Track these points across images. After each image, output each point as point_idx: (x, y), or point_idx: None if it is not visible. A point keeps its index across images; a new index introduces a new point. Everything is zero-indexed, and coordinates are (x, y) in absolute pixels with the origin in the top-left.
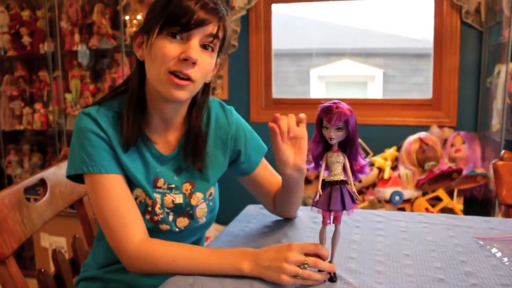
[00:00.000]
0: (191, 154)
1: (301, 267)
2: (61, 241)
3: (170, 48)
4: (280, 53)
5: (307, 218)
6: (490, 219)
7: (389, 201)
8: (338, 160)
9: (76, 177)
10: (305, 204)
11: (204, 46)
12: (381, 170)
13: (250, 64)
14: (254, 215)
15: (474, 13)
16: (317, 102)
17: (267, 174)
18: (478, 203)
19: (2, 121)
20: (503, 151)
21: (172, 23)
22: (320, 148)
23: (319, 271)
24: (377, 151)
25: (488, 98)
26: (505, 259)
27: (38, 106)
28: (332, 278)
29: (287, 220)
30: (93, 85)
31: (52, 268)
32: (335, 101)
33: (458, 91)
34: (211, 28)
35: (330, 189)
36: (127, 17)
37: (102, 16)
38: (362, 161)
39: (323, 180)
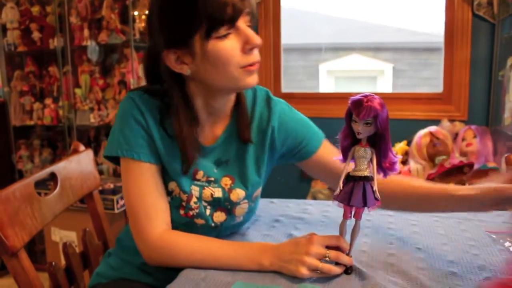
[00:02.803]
0: (231, 146)
1: (321, 260)
2: (71, 235)
3: (230, 48)
4: (289, 48)
5: (318, 211)
6: (502, 213)
7: None
8: (365, 155)
9: (113, 159)
10: (314, 198)
11: (247, 24)
12: None
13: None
14: (263, 209)
15: (486, 5)
16: (326, 96)
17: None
18: None
19: (13, 116)
20: None
21: (218, 24)
22: (349, 141)
23: (336, 263)
24: None
25: (500, 91)
26: None
27: (48, 101)
28: (347, 270)
29: (297, 213)
30: (102, 80)
31: (62, 262)
32: (367, 94)
33: (470, 85)
34: (249, 5)
35: (353, 184)
36: (136, 12)
37: (111, 11)
38: (393, 157)
39: (348, 174)
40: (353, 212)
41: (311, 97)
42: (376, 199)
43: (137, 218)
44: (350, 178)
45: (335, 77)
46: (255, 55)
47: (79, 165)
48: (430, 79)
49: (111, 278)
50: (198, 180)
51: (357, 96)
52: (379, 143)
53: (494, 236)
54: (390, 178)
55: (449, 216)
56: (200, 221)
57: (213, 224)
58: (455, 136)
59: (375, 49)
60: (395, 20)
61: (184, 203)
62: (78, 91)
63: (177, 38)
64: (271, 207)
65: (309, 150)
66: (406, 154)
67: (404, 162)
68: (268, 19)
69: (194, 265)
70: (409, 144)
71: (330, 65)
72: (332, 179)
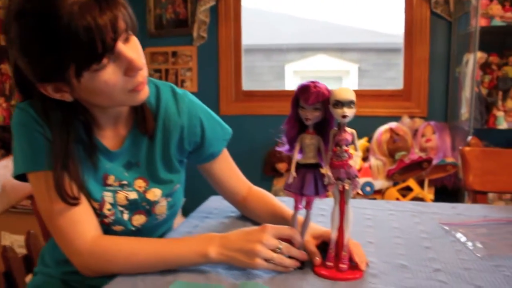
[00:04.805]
0: (140, 148)
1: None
2: (22, 239)
3: (110, 78)
4: (255, 49)
5: None
6: (456, 205)
7: (360, 192)
8: (313, 142)
9: (24, 177)
10: (276, 195)
11: (126, 39)
12: None
13: (219, 56)
14: (216, 206)
15: (443, 3)
16: (286, 94)
17: (228, 168)
18: (449, 193)
19: None
20: (470, 137)
21: (88, 64)
22: (295, 130)
23: (289, 257)
24: None
25: (457, 87)
26: (469, 244)
27: (0, 100)
28: (301, 265)
29: None
30: None
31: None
32: (313, 80)
33: (429, 82)
34: (121, 23)
35: (304, 172)
36: None
37: None
38: None
39: (297, 163)
40: (303, 203)
41: (272, 95)
42: (326, 187)
43: (62, 230)
44: (300, 167)
45: (301, 78)
46: (140, 75)
47: None
48: (394, 79)
49: None
50: (110, 185)
51: (304, 82)
52: (325, 130)
53: (447, 228)
54: (257, 192)
55: (404, 209)
56: (118, 228)
57: (133, 228)
58: (415, 132)
59: (340, 50)
60: (360, 21)
61: (98, 211)
62: None
63: (48, 76)
64: (224, 204)
65: (211, 155)
66: (367, 150)
67: (365, 159)
68: (228, 16)
69: (135, 268)
70: (370, 140)
71: (296, 65)
72: (221, 192)
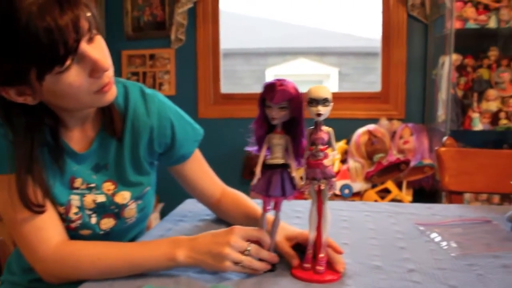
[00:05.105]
0: (108, 150)
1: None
2: None
3: (74, 80)
4: (236, 53)
5: None
6: (432, 205)
7: (339, 195)
8: (280, 142)
9: None
10: (255, 198)
11: (90, 40)
12: None
13: (198, 59)
14: (191, 209)
15: (420, 6)
16: None
17: (200, 170)
18: (427, 194)
19: None
20: (445, 138)
21: (49, 67)
22: (264, 129)
23: (259, 259)
24: None
25: (434, 89)
26: (444, 244)
27: None
28: (272, 268)
29: None
30: None
31: None
32: (280, 78)
33: (406, 84)
34: (84, 23)
35: (270, 173)
36: None
37: None
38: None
39: (264, 163)
40: (272, 204)
41: (251, 98)
42: (294, 188)
43: (25, 238)
44: (267, 168)
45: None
46: (107, 76)
47: None
48: (374, 83)
49: None
50: (77, 188)
51: (270, 81)
52: (294, 130)
53: (422, 228)
54: (231, 193)
55: (380, 210)
56: (85, 232)
57: (101, 232)
58: (393, 134)
59: (320, 54)
60: (340, 25)
61: (63, 216)
62: None
63: (9, 80)
64: (199, 207)
65: (182, 157)
66: (345, 153)
67: (344, 161)
68: (207, 20)
69: (102, 273)
70: (348, 143)
71: (277, 69)
72: (194, 194)
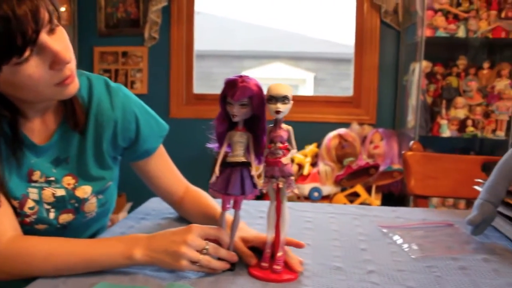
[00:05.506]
0: (70, 143)
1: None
2: None
3: (33, 71)
4: (212, 55)
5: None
6: (397, 208)
7: (308, 198)
8: (241, 140)
9: None
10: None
11: (51, 31)
12: (301, 166)
13: (171, 58)
14: (155, 207)
15: (392, 13)
16: None
17: (164, 166)
18: (395, 199)
19: None
20: (411, 142)
21: (6, 58)
22: (224, 126)
23: (219, 258)
24: (298, 148)
25: (405, 95)
26: (405, 246)
27: None
28: (231, 267)
29: None
30: None
31: None
32: (242, 75)
33: (378, 89)
34: (44, 14)
35: (230, 171)
36: None
37: None
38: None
39: (224, 161)
40: (231, 202)
41: None
42: (254, 187)
43: None
44: (227, 165)
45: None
46: (68, 69)
47: None
48: (349, 89)
49: None
50: (35, 181)
51: (232, 77)
52: (255, 128)
53: (385, 231)
54: (193, 192)
55: (345, 212)
56: (41, 226)
57: (58, 226)
58: (364, 138)
59: (296, 58)
60: (316, 31)
61: (18, 210)
62: None
63: None
64: (163, 206)
65: (146, 152)
66: (316, 156)
67: (314, 165)
68: (181, 20)
69: (55, 270)
70: (319, 146)
71: (253, 72)
72: (157, 192)
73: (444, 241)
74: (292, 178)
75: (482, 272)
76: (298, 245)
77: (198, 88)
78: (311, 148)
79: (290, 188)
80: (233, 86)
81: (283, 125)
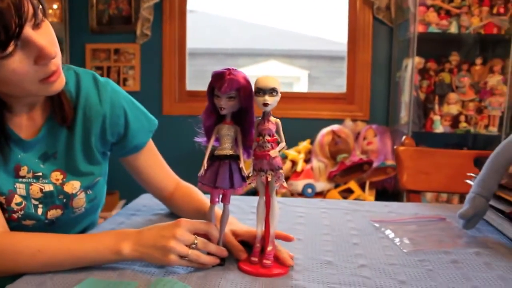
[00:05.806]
0: (57, 138)
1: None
2: None
3: (17, 66)
4: (206, 53)
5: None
6: (390, 203)
7: (302, 194)
8: (230, 133)
9: None
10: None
11: (36, 25)
12: (294, 163)
13: (163, 55)
14: (145, 203)
15: (385, 9)
16: None
17: (153, 162)
18: (389, 195)
19: None
20: (404, 137)
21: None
22: (212, 120)
23: (208, 253)
24: (292, 144)
25: (398, 92)
26: (397, 240)
27: None
28: (221, 262)
29: None
30: None
31: None
32: (230, 67)
33: (371, 86)
34: (27, 7)
35: (218, 164)
36: None
37: None
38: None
39: (212, 154)
40: (220, 196)
41: None
42: (243, 180)
43: None
44: (215, 158)
45: (252, 83)
46: (53, 64)
47: None
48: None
49: None
50: (23, 177)
51: (219, 69)
52: (243, 121)
53: (377, 225)
54: (184, 187)
55: (337, 207)
56: (29, 222)
57: (46, 221)
58: (357, 135)
59: (290, 56)
60: (310, 29)
61: (4, 206)
62: None
63: None
64: (154, 202)
65: (135, 147)
66: (309, 152)
67: (307, 161)
68: (173, 16)
69: (43, 266)
70: (312, 142)
71: (248, 70)
72: (147, 188)
73: (436, 235)
74: (281, 171)
75: (474, 266)
76: (286, 238)
77: (192, 86)
78: (304, 144)
79: (279, 182)
80: (220, 78)
81: (272, 118)
